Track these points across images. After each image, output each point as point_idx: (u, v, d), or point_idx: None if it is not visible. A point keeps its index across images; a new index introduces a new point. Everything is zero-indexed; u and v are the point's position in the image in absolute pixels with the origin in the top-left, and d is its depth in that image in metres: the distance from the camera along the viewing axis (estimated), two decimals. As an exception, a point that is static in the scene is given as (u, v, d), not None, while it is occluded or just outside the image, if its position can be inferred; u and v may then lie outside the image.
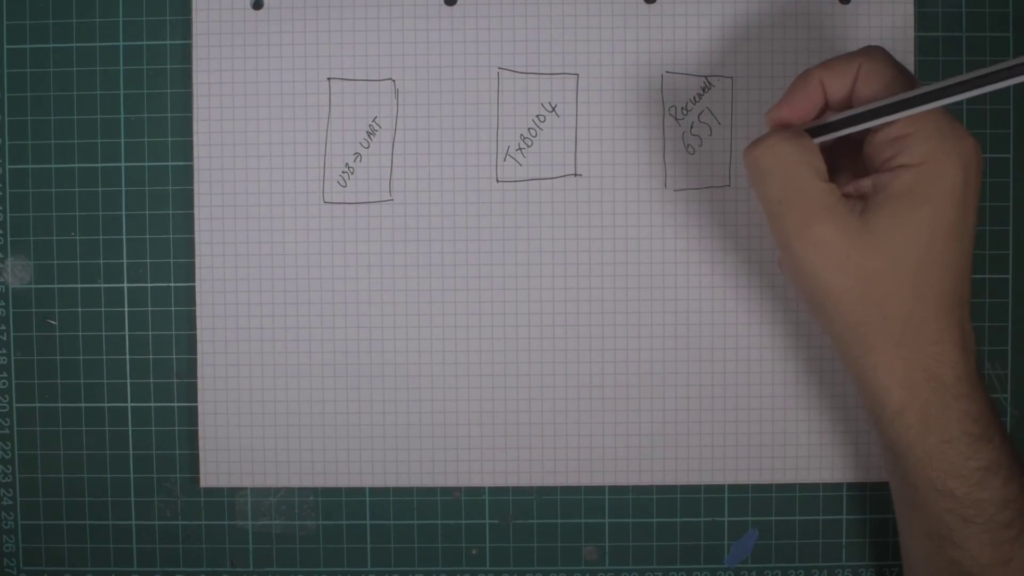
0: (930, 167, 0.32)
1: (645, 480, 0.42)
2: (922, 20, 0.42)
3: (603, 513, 0.43)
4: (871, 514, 0.43)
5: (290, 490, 0.43)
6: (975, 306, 0.42)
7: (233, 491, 0.43)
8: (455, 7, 0.41)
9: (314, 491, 0.43)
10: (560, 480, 0.42)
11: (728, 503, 0.43)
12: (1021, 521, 0.34)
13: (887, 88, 0.33)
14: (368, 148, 0.41)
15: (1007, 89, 0.42)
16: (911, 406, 0.34)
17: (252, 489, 0.43)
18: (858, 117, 0.33)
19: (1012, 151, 0.42)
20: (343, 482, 0.42)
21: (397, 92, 0.41)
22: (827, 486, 0.43)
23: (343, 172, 0.41)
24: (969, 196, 0.33)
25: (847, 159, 0.36)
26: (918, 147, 0.32)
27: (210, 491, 0.43)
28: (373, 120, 0.41)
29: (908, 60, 0.41)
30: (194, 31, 0.41)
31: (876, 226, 0.33)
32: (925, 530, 0.36)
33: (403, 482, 0.42)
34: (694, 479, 0.42)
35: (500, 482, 0.42)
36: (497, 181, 0.41)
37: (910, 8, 0.41)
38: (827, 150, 0.36)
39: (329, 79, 0.41)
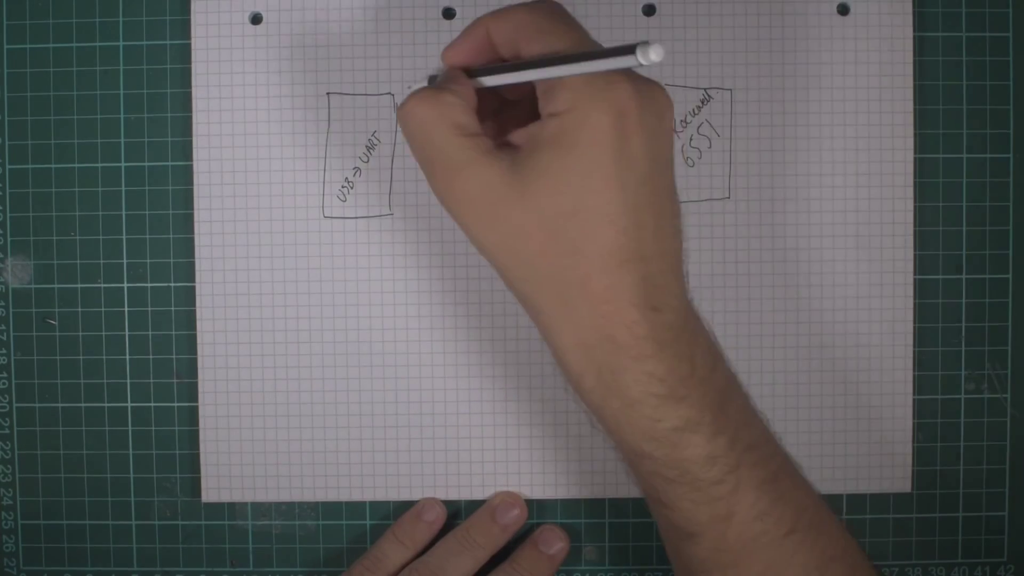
0: (574, 114, 0.30)
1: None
2: (922, 20, 0.42)
3: (603, 513, 0.43)
4: (871, 514, 0.43)
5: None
6: (975, 306, 0.43)
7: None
8: (453, 21, 0.41)
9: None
10: (562, 493, 0.42)
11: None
12: (735, 476, 0.32)
13: (547, 44, 0.31)
14: (368, 163, 0.41)
15: (1007, 89, 0.42)
16: (588, 369, 0.31)
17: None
18: (513, 67, 0.32)
19: (1012, 151, 0.42)
20: (344, 496, 0.42)
21: (396, 106, 0.41)
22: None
23: (343, 187, 0.41)
24: (631, 142, 0.30)
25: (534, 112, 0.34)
26: (563, 95, 0.30)
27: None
28: (372, 134, 0.41)
29: (906, 65, 0.41)
30: (193, 46, 0.41)
31: (523, 177, 0.31)
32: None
33: (404, 496, 0.42)
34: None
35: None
36: (496, 195, 0.41)
37: (908, 20, 0.41)
38: (514, 103, 0.35)
39: (328, 94, 0.41)
